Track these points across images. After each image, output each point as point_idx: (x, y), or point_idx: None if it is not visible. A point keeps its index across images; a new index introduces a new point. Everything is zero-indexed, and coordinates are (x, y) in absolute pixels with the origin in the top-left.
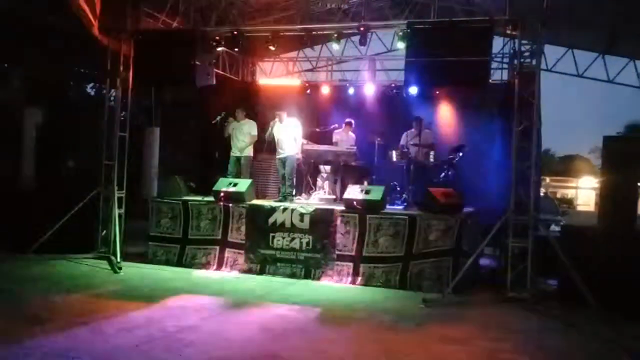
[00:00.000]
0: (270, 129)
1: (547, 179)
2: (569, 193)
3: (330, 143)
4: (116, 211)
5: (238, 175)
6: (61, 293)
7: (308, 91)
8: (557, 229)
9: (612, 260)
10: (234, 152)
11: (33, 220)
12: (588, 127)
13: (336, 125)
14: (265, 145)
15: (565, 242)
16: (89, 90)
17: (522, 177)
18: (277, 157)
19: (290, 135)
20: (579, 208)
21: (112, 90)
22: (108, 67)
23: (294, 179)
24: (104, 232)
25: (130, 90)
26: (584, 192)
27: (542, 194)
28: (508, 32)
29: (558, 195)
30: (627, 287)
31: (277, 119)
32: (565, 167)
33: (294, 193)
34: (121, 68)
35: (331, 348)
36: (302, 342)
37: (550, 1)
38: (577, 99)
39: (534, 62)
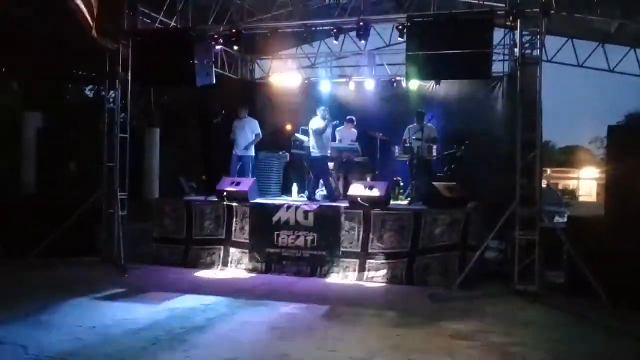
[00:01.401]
0: (325, 125)
1: (548, 171)
2: (571, 184)
3: (332, 139)
4: (119, 213)
5: (241, 174)
6: (66, 297)
7: (307, 88)
8: (562, 220)
9: (620, 251)
10: (236, 151)
11: (35, 224)
12: (588, 118)
13: (337, 122)
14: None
15: (572, 233)
16: (87, 92)
17: (527, 168)
18: (314, 155)
19: (328, 133)
20: (581, 199)
21: (111, 92)
22: (106, 69)
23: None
24: (107, 234)
25: (129, 92)
26: (586, 182)
27: (545, 186)
28: (508, 23)
29: (560, 187)
30: (635, 279)
31: (318, 115)
32: (566, 158)
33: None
34: (120, 69)
35: (340, 346)
36: (311, 341)
37: None
38: (576, 89)
39: (534, 52)
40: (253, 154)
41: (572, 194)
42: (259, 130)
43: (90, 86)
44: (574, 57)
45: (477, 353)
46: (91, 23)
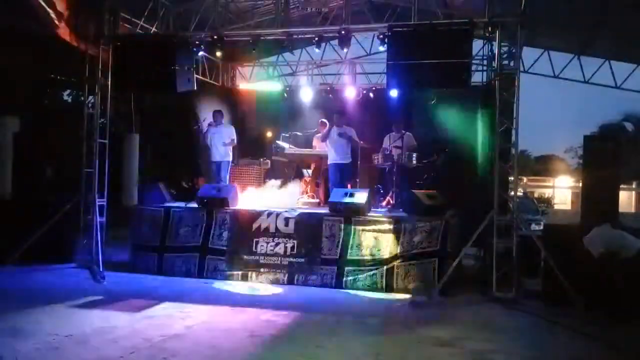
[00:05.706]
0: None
1: (524, 179)
2: (546, 192)
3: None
4: (97, 219)
5: (219, 180)
6: (43, 304)
7: (288, 95)
8: (538, 228)
9: (595, 258)
10: (213, 158)
11: (12, 231)
12: (563, 128)
13: (318, 129)
14: None
15: (548, 241)
16: (65, 97)
17: (504, 177)
18: (334, 162)
19: (337, 139)
20: (556, 207)
21: (90, 97)
22: (86, 74)
23: None
24: (85, 240)
25: (109, 97)
26: (561, 191)
27: (521, 194)
28: (487, 34)
29: (535, 195)
30: (610, 286)
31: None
32: (542, 167)
33: None
34: (100, 74)
35: (320, 354)
36: (292, 349)
37: (528, 3)
38: (551, 100)
39: (512, 63)
40: (230, 159)
41: (547, 202)
42: (235, 136)
43: (69, 91)
44: (550, 69)
45: None
46: (57, 22)
